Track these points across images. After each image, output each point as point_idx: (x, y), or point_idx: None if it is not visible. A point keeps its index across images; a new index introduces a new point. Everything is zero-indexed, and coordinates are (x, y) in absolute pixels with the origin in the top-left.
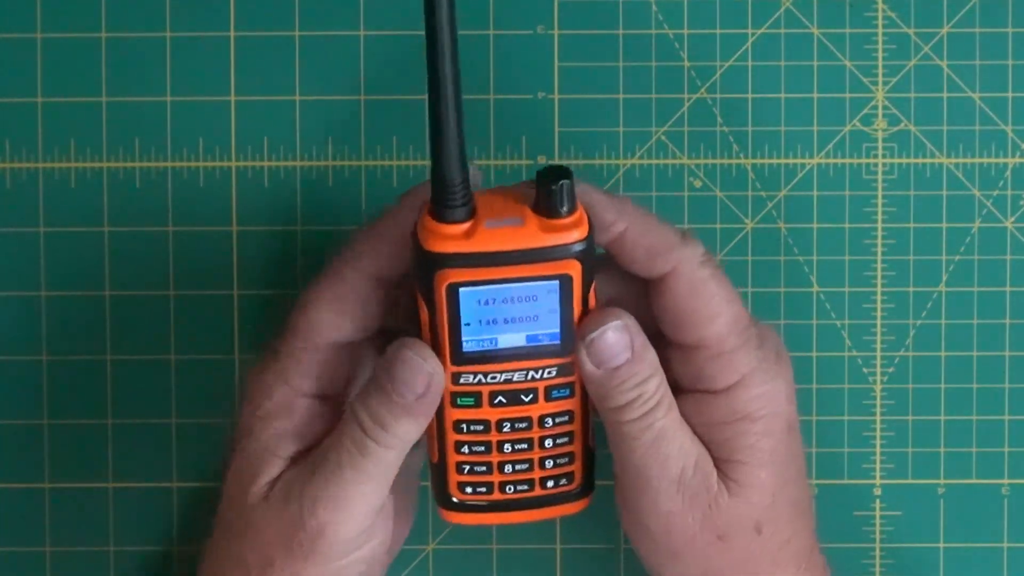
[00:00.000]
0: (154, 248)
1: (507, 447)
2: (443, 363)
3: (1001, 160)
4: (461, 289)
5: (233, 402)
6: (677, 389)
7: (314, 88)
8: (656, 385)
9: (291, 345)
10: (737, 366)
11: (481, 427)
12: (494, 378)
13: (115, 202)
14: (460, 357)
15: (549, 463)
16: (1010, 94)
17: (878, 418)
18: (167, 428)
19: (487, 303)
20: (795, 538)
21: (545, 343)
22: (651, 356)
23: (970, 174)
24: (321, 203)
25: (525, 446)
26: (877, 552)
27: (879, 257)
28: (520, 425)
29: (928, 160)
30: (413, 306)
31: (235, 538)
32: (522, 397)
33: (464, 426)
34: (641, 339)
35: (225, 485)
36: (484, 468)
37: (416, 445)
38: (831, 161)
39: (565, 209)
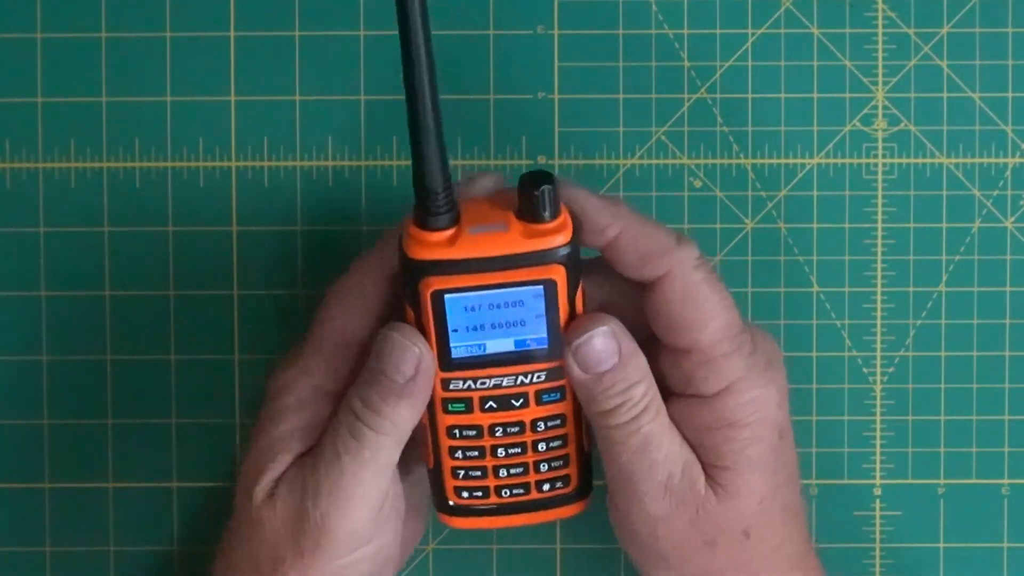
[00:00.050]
0: (154, 248)
1: (501, 451)
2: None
3: (1001, 160)
4: (446, 296)
5: (233, 402)
6: (668, 393)
7: (314, 88)
8: (643, 391)
9: (314, 342)
10: (727, 372)
11: (474, 432)
12: (484, 383)
13: (115, 202)
14: (449, 363)
15: (544, 466)
16: (1010, 94)
17: (878, 418)
18: (167, 428)
19: (473, 309)
20: (786, 543)
21: (533, 348)
22: (638, 362)
23: (970, 174)
24: (321, 203)
25: (519, 450)
26: (877, 552)
27: (879, 257)
28: (512, 429)
29: (928, 160)
30: (402, 315)
31: (246, 536)
32: (513, 402)
33: (457, 431)
34: (629, 345)
35: (237, 484)
36: (479, 473)
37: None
38: (831, 161)
39: (548, 214)
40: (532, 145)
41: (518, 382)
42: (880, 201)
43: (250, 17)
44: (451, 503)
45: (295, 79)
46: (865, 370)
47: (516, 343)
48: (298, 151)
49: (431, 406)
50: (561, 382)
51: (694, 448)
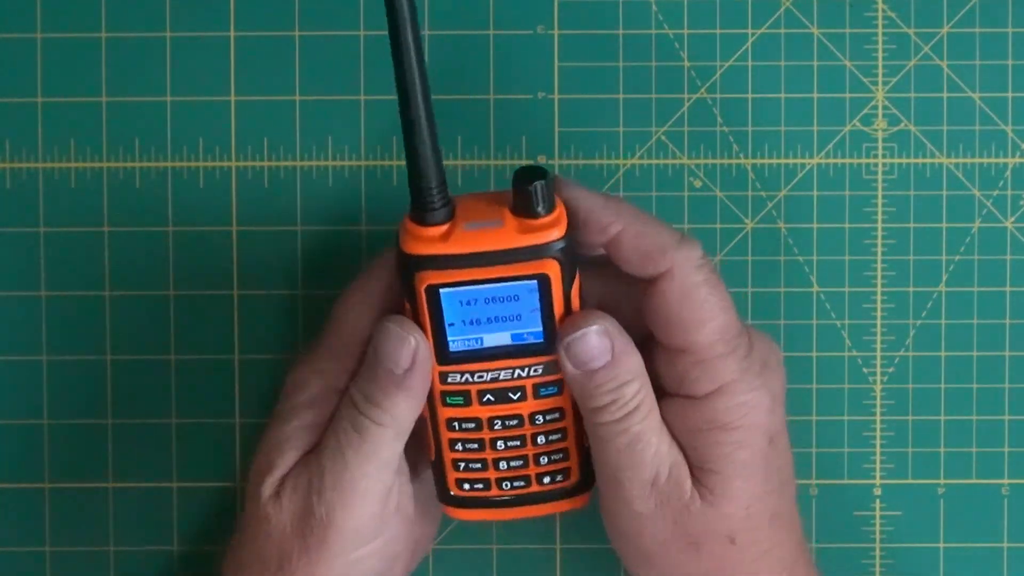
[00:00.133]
0: (154, 248)
1: (500, 444)
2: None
3: (1001, 160)
4: (442, 290)
5: (233, 402)
6: (662, 392)
7: (314, 88)
8: (635, 390)
9: (327, 341)
10: (719, 374)
11: (473, 425)
12: (481, 377)
13: (115, 202)
14: (446, 357)
15: (544, 459)
16: (1010, 94)
17: (878, 418)
18: (167, 428)
19: (469, 303)
20: (776, 549)
21: (530, 342)
22: (631, 361)
23: (970, 174)
24: (321, 203)
25: (518, 443)
26: (877, 552)
27: (879, 257)
28: (511, 422)
29: (928, 160)
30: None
31: (253, 533)
32: (510, 395)
33: (456, 424)
34: (622, 343)
35: (246, 481)
36: (479, 465)
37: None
38: (831, 161)
39: (541, 209)
40: (532, 145)
41: (515, 375)
42: (880, 201)
43: (250, 17)
44: (452, 494)
45: (295, 79)
46: (865, 370)
47: (512, 337)
48: (298, 151)
49: (431, 399)
50: (558, 376)
51: (684, 450)
